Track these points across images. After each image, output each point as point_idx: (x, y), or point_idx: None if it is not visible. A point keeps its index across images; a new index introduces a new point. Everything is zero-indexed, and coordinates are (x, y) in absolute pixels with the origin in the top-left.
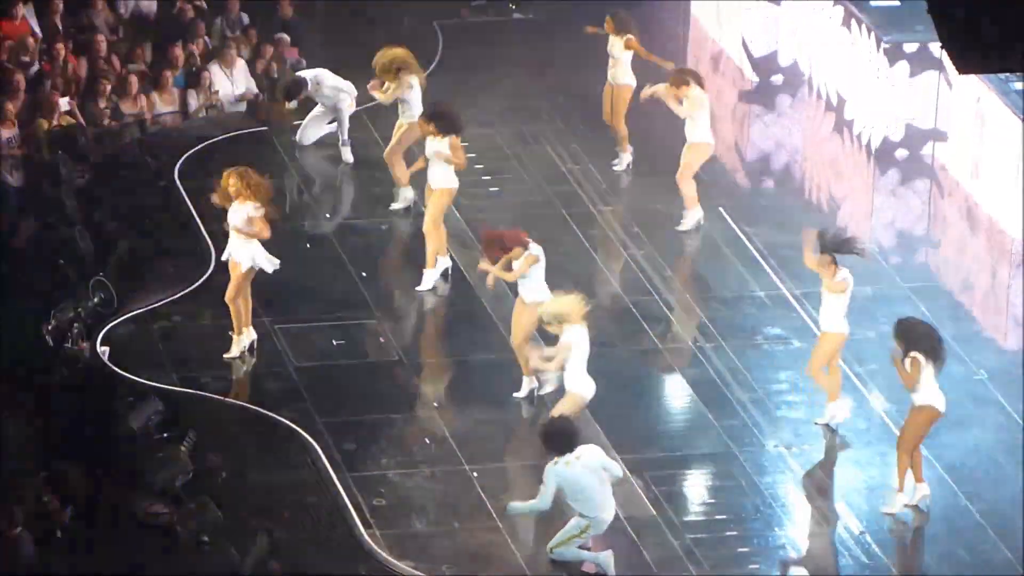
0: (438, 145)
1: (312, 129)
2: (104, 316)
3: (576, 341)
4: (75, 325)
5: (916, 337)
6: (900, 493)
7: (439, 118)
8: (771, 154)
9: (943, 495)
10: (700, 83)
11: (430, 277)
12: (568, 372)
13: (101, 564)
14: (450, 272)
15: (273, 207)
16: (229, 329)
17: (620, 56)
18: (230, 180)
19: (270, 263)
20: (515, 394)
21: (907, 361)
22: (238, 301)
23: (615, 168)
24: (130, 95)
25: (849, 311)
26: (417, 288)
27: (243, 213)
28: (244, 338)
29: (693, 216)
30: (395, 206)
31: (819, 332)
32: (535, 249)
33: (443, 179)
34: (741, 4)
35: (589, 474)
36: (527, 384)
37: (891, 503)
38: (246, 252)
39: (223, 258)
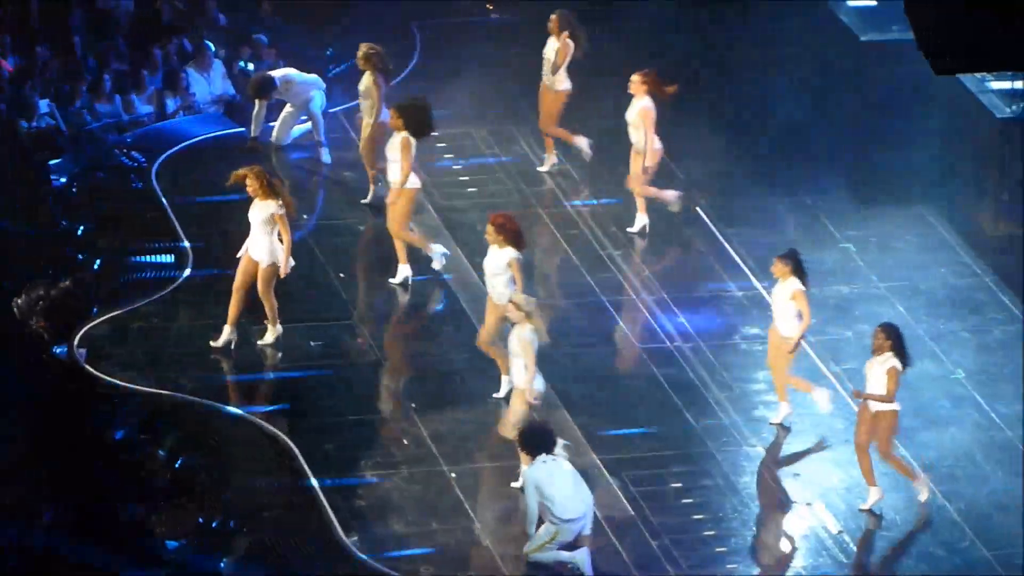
0: (393, 142)
1: (286, 129)
2: (74, 306)
3: (533, 339)
4: (40, 303)
5: (901, 342)
6: (874, 487)
7: (409, 114)
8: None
9: None
10: (660, 90)
11: (403, 271)
12: (525, 369)
13: (79, 565)
14: (410, 281)
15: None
16: (213, 328)
17: (553, 58)
18: (247, 180)
19: (286, 264)
20: (495, 394)
21: (886, 369)
22: (243, 295)
23: (539, 169)
24: (104, 95)
25: (824, 309)
26: (390, 280)
27: (266, 211)
28: (270, 333)
29: (640, 220)
30: (365, 201)
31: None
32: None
33: (406, 179)
34: None
35: (563, 475)
36: (507, 383)
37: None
38: (266, 249)
39: (239, 254)
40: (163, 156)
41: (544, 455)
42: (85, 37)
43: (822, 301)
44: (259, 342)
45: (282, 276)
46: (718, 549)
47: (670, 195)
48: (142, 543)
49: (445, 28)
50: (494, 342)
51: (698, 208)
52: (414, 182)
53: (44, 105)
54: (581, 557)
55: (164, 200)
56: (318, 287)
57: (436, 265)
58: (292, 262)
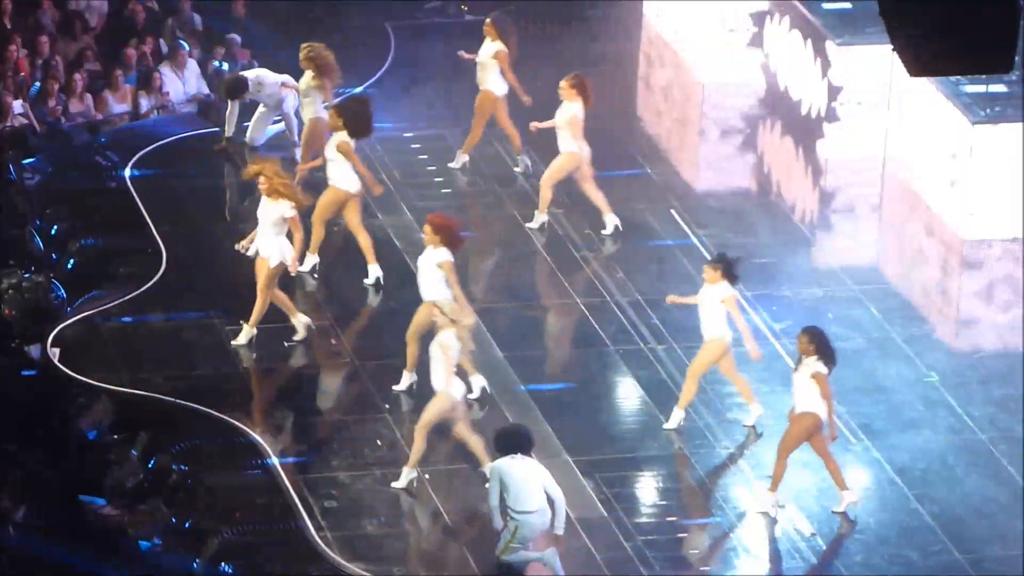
0: (331, 143)
1: (259, 129)
2: (46, 304)
3: (454, 345)
4: (9, 291)
5: (828, 347)
6: (846, 491)
7: (349, 114)
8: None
9: (894, 497)
10: (587, 96)
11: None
12: (443, 374)
13: (52, 565)
14: (381, 280)
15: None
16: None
17: (487, 63)
18: (260, 176)
19: (295, 263)
20: (394, 387)
21: (811, 373)
22: (274, 293)
23: (450, 166)
24: (77, 95)
25: (798, 312)
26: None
27: (276, 212)
28: (300, 321)
29: (540, 218)
30: None
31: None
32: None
33: (342, 179)
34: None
35: (528, 471)
36: (407, 378)
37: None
38: (275, 247)
39: (250, 253)
40: (137, 155)
41: (517, 455)
42: (58, 37)
43: (795, 303)
44: (233, 342)
45: (292, 274)
46: (691, 551)
47: (611, 218)
48: (115, 543)
49: (419, 28)
50: (413, 339)
51: (672, 210)
52: (351, 184)
53: (18, 106)
54: (550, 557)
55: (138, 199)
56: (291, 287)
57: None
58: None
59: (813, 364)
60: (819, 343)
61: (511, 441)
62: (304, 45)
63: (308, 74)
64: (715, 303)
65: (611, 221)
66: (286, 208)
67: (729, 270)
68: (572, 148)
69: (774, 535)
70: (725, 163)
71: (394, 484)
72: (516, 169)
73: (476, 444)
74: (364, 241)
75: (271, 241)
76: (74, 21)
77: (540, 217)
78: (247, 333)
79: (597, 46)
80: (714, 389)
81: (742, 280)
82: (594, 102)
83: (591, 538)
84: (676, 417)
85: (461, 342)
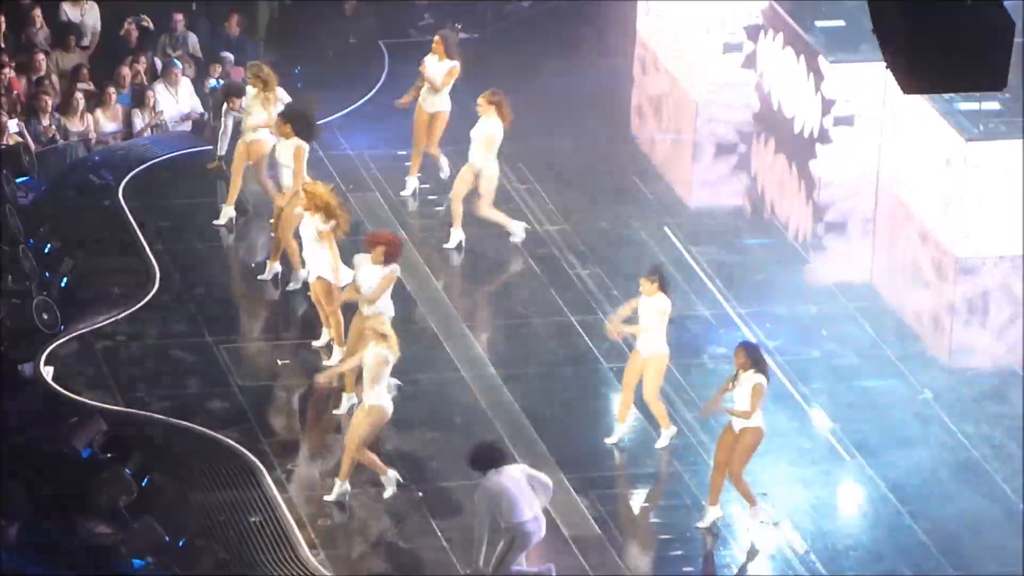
0: (286, 149)
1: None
2: (38, 320)
3: (383, 360)
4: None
5: (760, 358)
6: (714, 507)
7: (297, 120)
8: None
9: (888, 513)
10: (502, 114)
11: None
12: (376, 388)
13: None
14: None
15: (343, 219)
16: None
17: (434, 79)
18: (305, 194)
19: (334, 274)
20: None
21: (751, 386)
22: (334, 312)
23: (402, 194)
24: (75, 113)
25: (792, 329)
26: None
27: (312, 227)
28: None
29: (456, 236)
30: (218, 222)
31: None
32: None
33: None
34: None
35: (508, 482)
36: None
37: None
38: (318, 263)
39: (302, 276)
40: (130, 174)
41: (493, 470)
42: (51, 52)
43: (790, 321)
44: (325, 362)
45: (339, 286)
46: (685, 568)
47: (516, 226)
48: (106, 562)
49: (413, 47)
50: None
51: (665, 227)
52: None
53: (13, 125)
54: (546, 572)
55: (131, 218)
56: (285, 305)
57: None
58: (347, 274)
59: (753, 376)
60: (754, 356)
61: (486, 458)
62: (252, 65)
63: (253, 90)
64: (655, 316)
65: (517, 229)
66: (319, 222)
67: (664, 282)
68: (478, 162)
69: (768, 552)
70: (719, 180)
71: (327, 498)
72: (403, 192)
73: (372, 460)
74: (292, 247)
75: (319, 258)
76: (68, 35)
77: (456, 234)
78: (338, 352)
79: (589, 62)
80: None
81: (735, 297)
82: (512, 120)
83: (585, 556)
84: (619, 432)
85: (391, 355)
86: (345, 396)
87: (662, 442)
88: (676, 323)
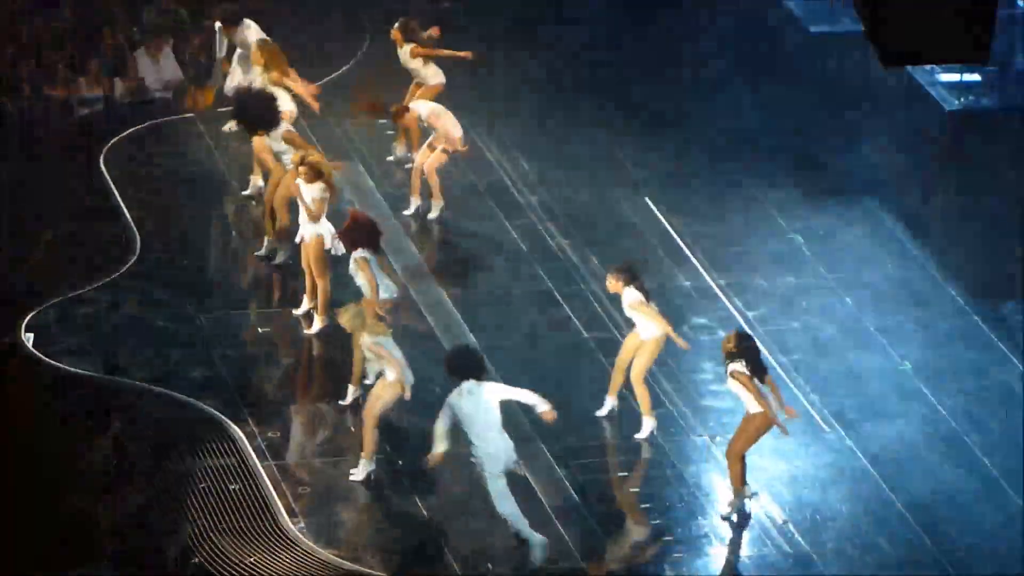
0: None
1: (237, 80)
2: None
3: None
4: None
5: (745, 350)
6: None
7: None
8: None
9: (867, 486)
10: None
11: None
12: (391, 366)
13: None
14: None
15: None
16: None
17: (413, 65)
18: (307, 163)
19: (332, 244)
20: (340, 401)
21: (733, 378)
22: (323, 279)
23: (389, 159)
24: (56, 81)
25: (771, 300)
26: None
27: (310, 194)
28: (317, 321)
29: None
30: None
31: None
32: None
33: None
34: None
35: (479, 408)
36: (352, 392)
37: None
38: (314, 230)
39: (296, 240)
40: (111, 141)
41: (467, 384)
42: (33, 22)
43: (770, 292)
44: (305, 331)
45: (335, 254)
46: (665, 538)
47: (438, 201)
48: (84, 531)
49: (396, 17)
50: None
51: (647, 199)
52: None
53: None
54: (539, 542)
55: (112, 185)
56: (267, 272)
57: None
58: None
59: (733, 366)
60: (741, 347)
61: (466, 367)
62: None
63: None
64: (631, 311)
65: (437, 207)
66: (316, 191)
67: (632, 277)
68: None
69: (746, 522)
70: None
71: (353, 477)
72: (389, 157)
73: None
74: (284, 221)
75: (316, 225)
76: (50, 3)
77: (414, 201)
78: (318, 321)
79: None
80: (688, 377)
81: (715, 268)
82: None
83: (564, 525)
84: (608, 405)
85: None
86: (351, 388)
87: (642, 434)
88: (656, 295)
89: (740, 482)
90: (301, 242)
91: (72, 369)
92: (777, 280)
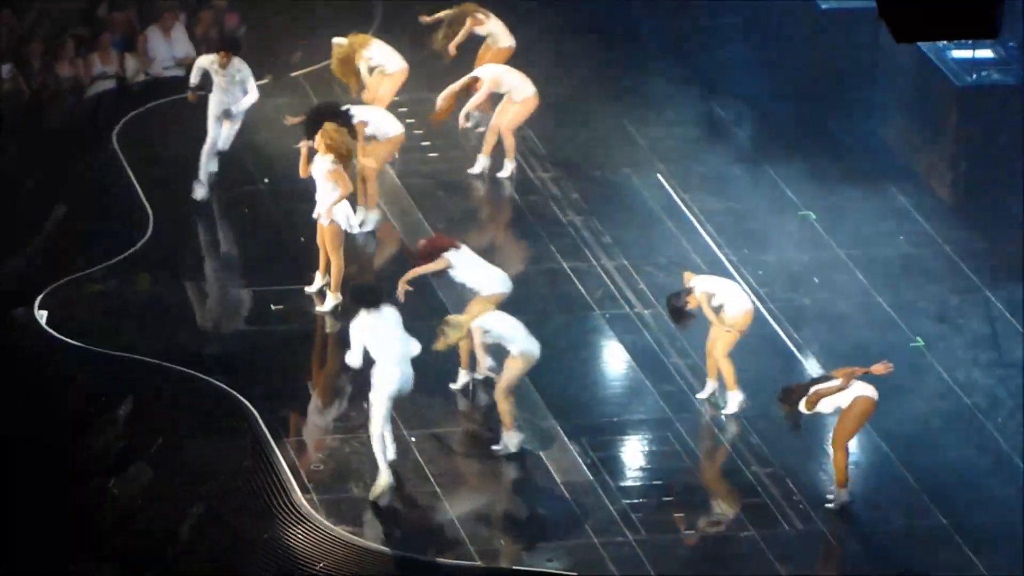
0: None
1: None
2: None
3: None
4: None
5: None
6: (842, 489)
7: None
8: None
9: (879, 461)
10: None
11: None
12: (512, 343)
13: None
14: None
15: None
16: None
17: (488, 28)
18: (321, 133)
19: (348, 222)
20: (451, 384)
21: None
22: (337, 256)
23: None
24: (67, 58)
25: (783, 277)
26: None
27: (322, 167)
28: (331, 299)
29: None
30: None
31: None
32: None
33: None
34: None
35: (386, 325)
36: (464, 377)
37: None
38: (327, 204)
39: (314, 215)
40: (124, 118)
41: (371, 309)
42: None
43: (781, 268)
44: (317, 309)
45: (350, 231)
46: (675, 514)
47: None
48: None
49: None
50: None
51: (658, 175)
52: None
53: (6, 70)
54: (385, 479)
55: (125, 162)
56: (279, 250)
57: None
58: (355, 225)
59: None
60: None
61: (370, 297)
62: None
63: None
64: (708, 306)
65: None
66: (328, 162)
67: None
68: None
69: (757, 499)
70: (708, 127)
71: (496, 448)
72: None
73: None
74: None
75: (330, 200)
76: None
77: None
78: (331, 298)
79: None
80: (699, 353)
81: (727, 245)
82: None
83: (576, 501)
84: (708, 388)
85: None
86: (462, 372)
87: (730, 408)
88: (667, 270)
89: (843, 475)
90: (317, 218)
91: (85, 346)
92: (789, 256)
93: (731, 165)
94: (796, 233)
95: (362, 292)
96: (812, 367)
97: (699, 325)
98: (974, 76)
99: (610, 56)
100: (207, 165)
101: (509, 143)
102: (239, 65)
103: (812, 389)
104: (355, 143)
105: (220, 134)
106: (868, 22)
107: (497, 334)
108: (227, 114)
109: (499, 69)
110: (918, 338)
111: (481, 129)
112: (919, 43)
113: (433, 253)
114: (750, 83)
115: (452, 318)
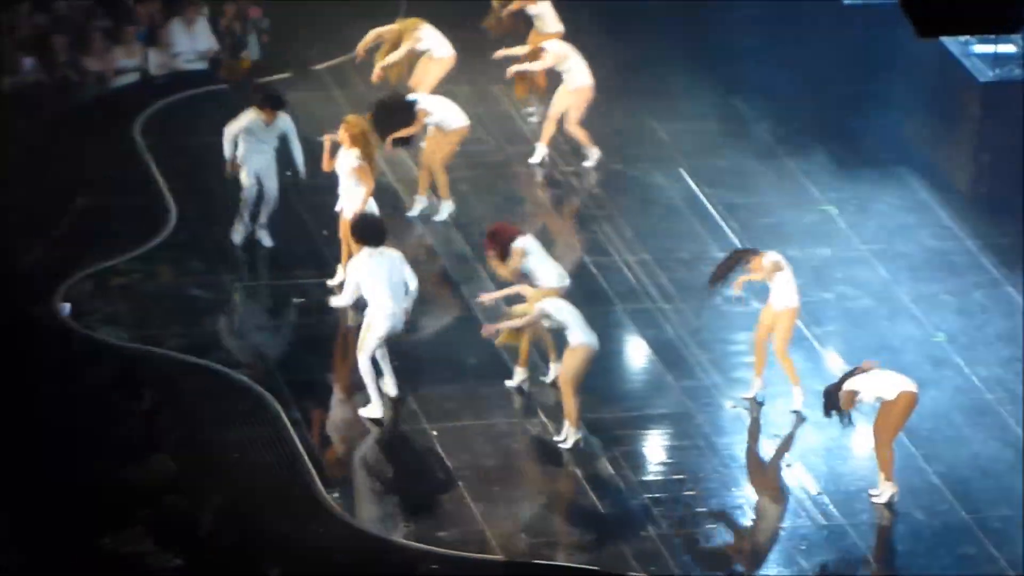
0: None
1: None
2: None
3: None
4: None
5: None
6: (888, 482)
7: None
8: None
9: (901, 456)
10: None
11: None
12: (570, 332)
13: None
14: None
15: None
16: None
17: (539, 8)
18: (344, 127)
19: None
20: (507, 382)
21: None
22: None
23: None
24: (93, 51)
25: (805, 271)
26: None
27: (347, 162)
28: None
29: (594, 154)
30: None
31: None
32: (523, 243)
33: None
34: None
35: (385, 263)
36: (520, 375)
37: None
38: (350, 199)
39: (336, 208)
40: (147, 111)
41: (374, 247)
42: None
43: (803, 263)
44: (332, 302)
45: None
46: (698, 509)
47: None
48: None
49: None
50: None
51: (680, 169)
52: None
53: (28, 63)
54: (376, 407)
55: (148, 155)
56: (301, 244)
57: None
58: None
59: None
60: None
61: (374, 233)
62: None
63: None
64: (772, 273)
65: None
66: (353, 157)
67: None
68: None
69: (780, 494)
70: (730, 122)
71: (558, 442)
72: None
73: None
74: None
75: (353, 194)
76: None
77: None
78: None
79: None
80: (721, 348)
81: (748, 239)
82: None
83: (598, 495)
84: (756, 386)
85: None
86: (519, 370)
87: (795, 406)
88: (690, 265)
89: (889, 472)
90: (340, 212)
91: (107, 339)
92: (811, 250)
93: (753, 160)
94: (818, 227)
95: (365, 228)
96: (833, 362)
97: (741, 318)
98: (996, 71)
99: (632, 51)
100: (245, 213)
101: (582, 136)
102: (283, 121)
103: (844, 387)
104: (375, 136)
105: (260, 193)
106: (891, 17)
107: (559, 320)
108: (264, 174)
109: (566, 47)
110: (939, 332)
111: (534, 119)
112: (941, 38)
113: (505, 240)
114: (773, 78)
115: (516, 308)
